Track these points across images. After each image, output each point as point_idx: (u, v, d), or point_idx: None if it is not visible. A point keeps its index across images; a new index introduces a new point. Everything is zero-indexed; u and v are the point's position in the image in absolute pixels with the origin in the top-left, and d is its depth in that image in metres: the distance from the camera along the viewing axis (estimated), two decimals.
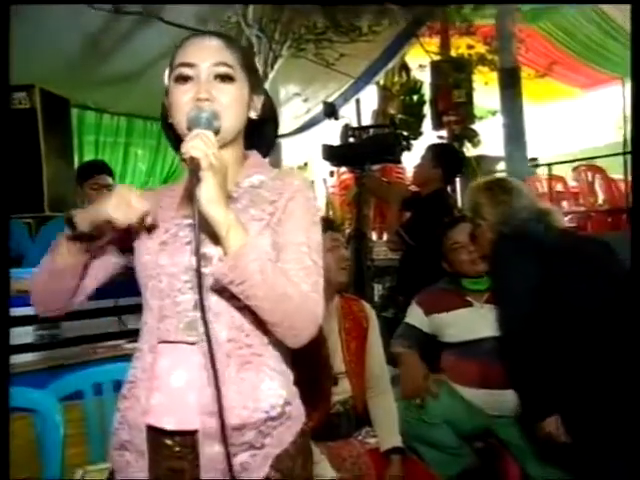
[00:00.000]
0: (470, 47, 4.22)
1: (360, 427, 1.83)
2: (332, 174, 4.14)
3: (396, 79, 5.82)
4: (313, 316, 0.93)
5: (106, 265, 1.07)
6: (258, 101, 1.04)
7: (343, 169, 4.88)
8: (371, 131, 3.10)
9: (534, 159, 6.14)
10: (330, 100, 5.54)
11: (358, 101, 6.11)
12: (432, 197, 2.88)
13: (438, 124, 5.08)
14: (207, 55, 0.97)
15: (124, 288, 2.08)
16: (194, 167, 0.85)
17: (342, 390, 1.77)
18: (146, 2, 3.34)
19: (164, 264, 0.97)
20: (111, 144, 5.62)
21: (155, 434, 0.95)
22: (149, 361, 0.96)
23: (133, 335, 2.07)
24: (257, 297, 0.88)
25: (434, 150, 3.05)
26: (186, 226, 0.98)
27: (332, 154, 2.80)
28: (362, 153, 2.76)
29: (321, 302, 0.94)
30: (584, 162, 5.50)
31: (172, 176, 6.13)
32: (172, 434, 0.94)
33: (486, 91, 4.93)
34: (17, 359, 1.82)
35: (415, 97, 5.77)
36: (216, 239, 0.90)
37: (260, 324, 0.93)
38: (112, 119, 5.60)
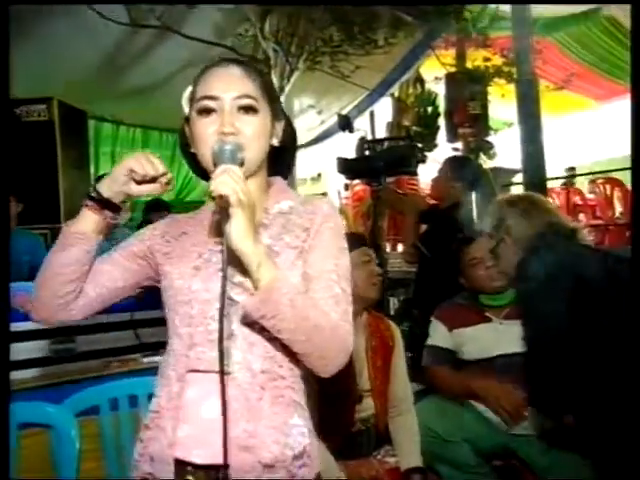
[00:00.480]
0: (487, 59, 4.21)
1: (380, 446, 1.80)
2: (347, 187, 4.12)
3: (411, 91, 5.82)
4: (344, 345, 0.92)
5: (113, 278, 1.03)
6: (279, 127, 1.04)
7: (356, 181, 4.87)
8: (386, 143, 3.08)
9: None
10: (344, 112, 5.55)
11: (372, 113, 6.11)
12: (451, 210, 2.86)
13: (453, 136, 5.06)
14: (230, 87, 0.96)
15: (140, 302, 2.11)
16: (223, 204, 0.85)
17: (365, 408, 1.75)
18: (150, 2, 3.35)
19: (197, 289, 0.95)
20: (127, 155, 5.65)
21: (181, 468, 0.92)
22: (176, 390, 0.94)
23: (149, 349, 2.08)
24: (289, 330, 0.87)
25: (453, 163, 3.03)
26: (220, 252, 0.95)
27: (348, 167, 2.78)
28: (378, 165, 2.75)
29: (351, 331, 0.94)
30: (602, 174, 5.44)
31: (187, 187, 6.16)
32: (200, 468, 0.91)
33: (502, 103, 4.90)
34: (32, 373, 1.81)
35: (430, 109, 5.77)
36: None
37: (292, 355, 0.93)
38: (128, 131, 5.65)
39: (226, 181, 0.85)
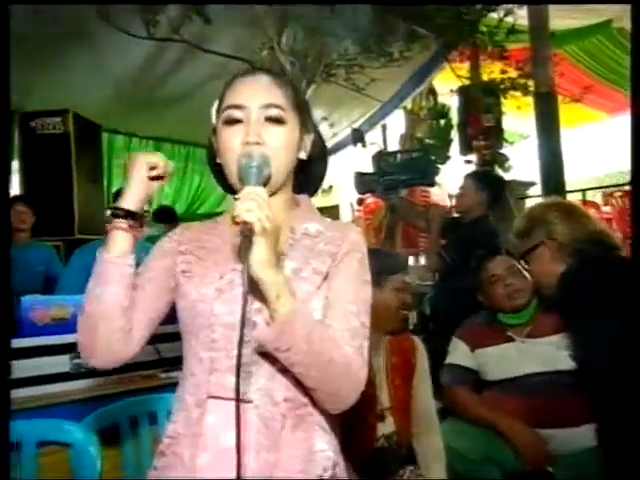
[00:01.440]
0: (503, 72, 4.20)
1: (405, 465, 1.76)
2: (360, 202, 4.11)
3: (424, 103, 5.82)
4: (356, 382, 0.88)
5: (156, 300, 0.98)
6: (308, 140, 1.00)
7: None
8: (399, 156, 3.07)
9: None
10: (357, 124, 5.56)
11: (384, 126, 6.11)
12: (475, 223, 2.86)
13: (467, 148, 5.04)
14: (257, 96, 0.93)
15: None
16: (247, 232, 0.81)
17: (388, 425, 1.71)
18: (150, 3, 3.36)
19: (219, 313, 0.91)
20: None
21: None
22: (195, 416, 0.90)
23: (168, 364, 2.04)
24: (302, 364, 0.84)
25: (476, 177, 3.07)
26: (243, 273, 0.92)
27: (365, 181, 2.77)
28: (395, 178, 2.74)
29: (365, 367, 0.90)
30: (618, 188, 5.39)
31: (198, 199, 6.15)
32: None
33: (518, 115, 4.89)
34: (54, 388, 1.79)
35: (443, 121, 5.76)
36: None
37: None
38: (141, 143, 5.66)
39: (251, 208, 0.81)
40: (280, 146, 0.92)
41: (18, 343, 1.76)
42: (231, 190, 1.01)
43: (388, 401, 1.72)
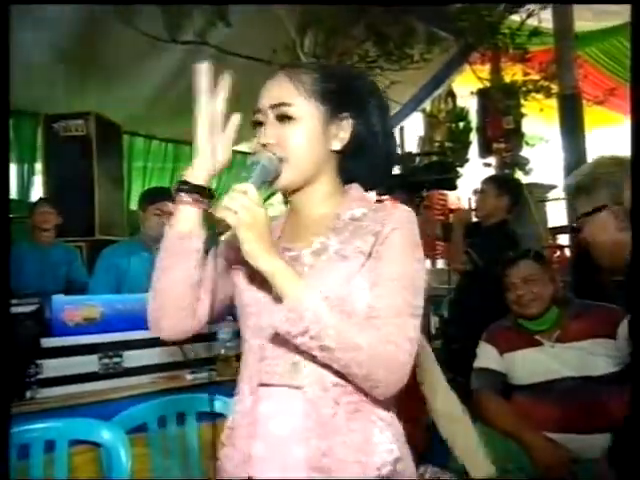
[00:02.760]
0: (526, 74, 4.17)
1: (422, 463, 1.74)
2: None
3: (442, 106, 5.80)
4: (394, 364, 0.83)
5: (225, 280, 0.99)
6: (341, 128, 0.96)
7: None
8: (424, 158, 3.07)
9: None
10: None
11: (402, 128, 6.09)
12: (498, 227, 2.86)
13: (486, 151, 5.01)
14: (268, 97, 0.94)
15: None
16: (223, 229, 0.84)
17: None
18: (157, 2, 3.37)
19: (264, 300, 0.92)
20: (159, 169, 5.72)
21: None
22: (249, 405, 0.90)
23: (194, 366, 2.05)
24: (320, 348, 0.81)
25: (497, 181, 3.07)
26: (287, 257, 0.93)
27: (389, 182, 2.77)
28: (420, 180, 2.73)
29: (406, 348, 0.84)
30: None
31: (217, 199, 6.17)
32: None
33: (540, 118, 4.85)
34: (82, 388, 1.80)
35: (461, 124, 5.73)
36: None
37: None
38: (160, 145, 5.70)
39: (226, 204, 0.83)
40: (295, 143, 0.92)
41: (48, 343, 1.78)
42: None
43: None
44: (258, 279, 0.92)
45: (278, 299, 0.87)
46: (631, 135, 1.17)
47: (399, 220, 0.91)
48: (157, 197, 2.70)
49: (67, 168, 4.30)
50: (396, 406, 0.93)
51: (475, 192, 3.06)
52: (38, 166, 4.66)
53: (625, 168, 1.34)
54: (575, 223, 1.43)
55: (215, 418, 1.29)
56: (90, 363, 1.82)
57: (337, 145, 0.96)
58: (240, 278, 0.97)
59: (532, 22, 4.00)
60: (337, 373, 0.86)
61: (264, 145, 0.92)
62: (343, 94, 0.96)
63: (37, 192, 4.60)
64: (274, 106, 0.93)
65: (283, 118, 0.92)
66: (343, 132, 0.96)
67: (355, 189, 1.01)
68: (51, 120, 4.38)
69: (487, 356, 2.13)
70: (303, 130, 0.93)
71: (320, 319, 0.80)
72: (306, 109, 0.93)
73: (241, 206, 0.82)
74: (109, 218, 4.54)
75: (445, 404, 1.80)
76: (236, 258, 0.96)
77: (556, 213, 4.75)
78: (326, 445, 0.84)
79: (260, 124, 0.94)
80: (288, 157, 0.91)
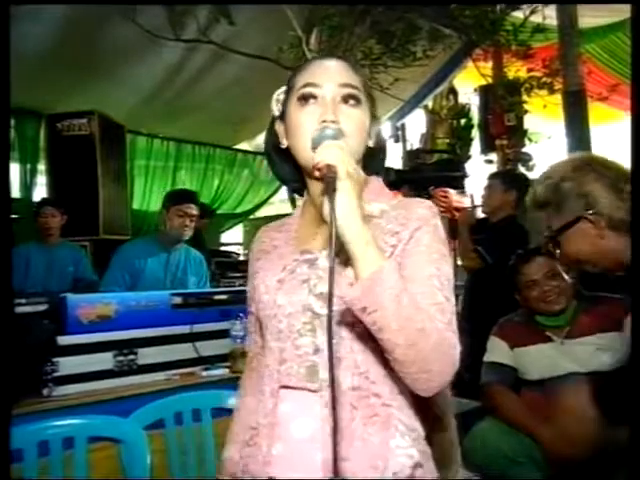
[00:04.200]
0: (530, 70, 4.18)
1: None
2: None
3: (444, 103, 5.80)
4: (450, 359, 0.80)
5: None
6: (374, 129, 0.98)
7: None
8: (432, 155, 3.07)
9: None
10: None
11: (403, 125, 6.09)
12: (505, 223, 2.86)
13: (488, 147, 5.02)
14: (333, 76, 0.91)
15: (199, 314, 2.10)
16: (331, 175, 0.76)
17: None
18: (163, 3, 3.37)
19: (282, 304, 0.91)
20: (161, 168, 5.72)
21: None
22: (270, 407, 0.91)
23: (207, 362, 2.06)
24: (390, 330, 0.76)
25: (504, 177, 3.07)
26: (303, 262, 0.92)
27: (398, 178, 2.76)
28: (428, 177, 2.73)
29: (457, 344, 0.82)
30: None
31: (218, 199, 6.17)
32: None
33: (543, 114, 4.85)
34: (98, 385, 1.81)
35: (463, 121, 5.74)
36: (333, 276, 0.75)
37: (389, 370, 0.83)
38: (162, 144, 5.70)
39: (334, 152, 0.79)
40: (355, 127, 0.90)
41: (64, 341, 1.78)
42: (289, 179, 1.02)
43: None
44: (274, 281, 0.93)
45: (292, 303, 0.89)
46: (631, 135, 1.16)
47: (423, 216, 0.90)
48: (183, 199, 2.75)
49: (71, 168, 4.30)
50: (421, 410, 0.91)
51: (485, 188, 3.05)
52: (41, 166, 4.66)
53: (589, 170, 1.33)
54: (548, 238, 1.37)
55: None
56: (105, 361, 1.83)
57: (370, 142, 0.97)
58: (261, 281, 0.97)
59: (535, 18, 4.00)
60: (354, 376, 0.86)
61: (325, 122, 0.87)
62: (374, 100, 0.99)
63: (40, 192, 4.59)
64: (343, 85, 0.91)
65: (349, 99, 0.91)
66: (374, 133, 0.98)
67: (374, 181, 1.00)
68: (54, 119, 4.38)
69: (498, 350, 2.14)
70: (363, 116, 0.92)
71: (399, 300, 0.76)
72: (364, 99, 0.94)
73: (343, 155, 0.79)
74: (113, 217, 4.54)
75: (440, 410, 1.80)
76: (258, 263, 0.98)
77: None
78: (343, 449, 0.83)
79: (311, 98, 0.90)
80: (348, 138, 0.87)
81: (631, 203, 1.26)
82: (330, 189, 0.76)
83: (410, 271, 0.85)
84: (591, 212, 1.31)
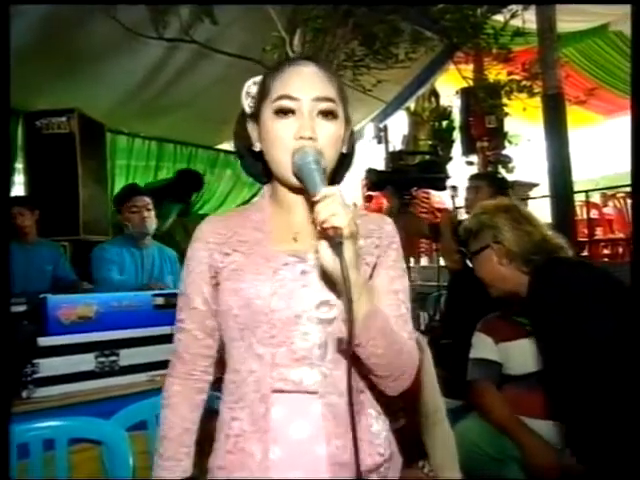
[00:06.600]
0: (510, 73, 4.25)
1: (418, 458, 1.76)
2: (370, 199, 4.13)
3: (426, 105, 5.86)
4: (415, 363, 0.95)
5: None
6: (348, 133, 0.98)
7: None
8: (415, 157, 3.09)
9: None
10: (360, 125, 5.59)
11: (385, 127, 6.13)
12: None
13: (469, 149, 5.09)
14: (311, 88, 0.91)
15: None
16: (339, 239, 0.77)
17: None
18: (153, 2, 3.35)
19: (277, 309, 0.90)
20: (142, 168, 5.67)
21: None
22: (261, 412, 0.90)
23: None
24: (378, 355, 0.87)
25: (486, 178, 3.10)
26: (294, 266, 0.92)
27: (380, 179, 2.79)
28: (411, 178, 2.76)
29: (417, 349, 0.96)
30: (621, 189, 5.44)
31: (200, 199, 6.13)
32: None
33: (523, 117, 4.94)
34: (80, 387, 1.79)
35: (445, 123, 5.80)
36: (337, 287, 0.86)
37: (364, 367, 0.91)
38: (143, 143, 5.64)
39: (338, 212, 0.77)
40: (330, 141, 0.90)
41: (44, 342, 1.76)
42: (261, 177, 1.02)
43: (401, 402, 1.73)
44: (267, 287, 0.91)
45: (289, 308, 0.90)
46: (631, 135, 1.27)
47: (390, 234, 0.99)
48: (128, 195, 2.82)
49: (50, 166, 4.23)
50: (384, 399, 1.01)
51: (470, 189, 3.08)
52: (19, 165, 4.58)
53: (504, 213, 1.70)
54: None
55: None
56: (87, 362, 1.81)
57: (344, 149, 0.97)
58: (244, 285, 0.92)
59: (516, 22, 4.06)
60: (350, 377, 0.88)
61: (302, 138, 0.88)
62: (347, 100, 0.98)
63: (18, 191, 4.51)
64: (320, 99, 0.90)
65: (326, 114, 0.90)
66: (347, 137, 0.98)
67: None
68: (33, 117, 4.30)
69: (483, 346, 2.16)
70: (338, 128, 0.92)
71: (385, 333, 0.87)
72: (340, 110, 0.94)
73: (350, 215, 0.78)
74: (93, 217, 4.48)
75: (433, 399, 1.82)
76: (232, 264, 0.95)
77: (539, 211, 4.85)
78: (343, 442, 0.89)
79: (288, 112, 0.90)
80: (324, 153, 0.88)
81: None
82: (338, 251, 0.78)
83: (379, 284, 0.96)
84: (495, 242, 1.67)
